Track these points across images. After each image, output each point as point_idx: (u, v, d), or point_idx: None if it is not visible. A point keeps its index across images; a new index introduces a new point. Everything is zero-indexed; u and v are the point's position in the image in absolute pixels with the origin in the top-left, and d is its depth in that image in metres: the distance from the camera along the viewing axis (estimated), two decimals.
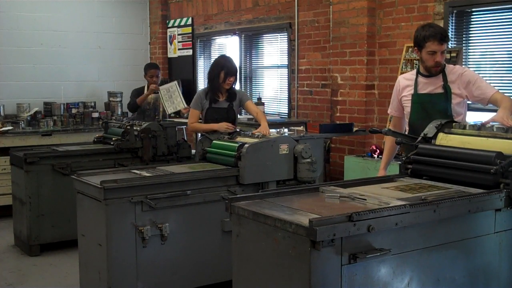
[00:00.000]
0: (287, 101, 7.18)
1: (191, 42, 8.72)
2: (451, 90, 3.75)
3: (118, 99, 8.63)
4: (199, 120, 5.31)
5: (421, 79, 3.86)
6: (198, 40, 8.77)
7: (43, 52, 8.38)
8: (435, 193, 2.92)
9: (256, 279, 2.67)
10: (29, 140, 7.25)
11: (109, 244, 3.82)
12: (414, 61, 5.25)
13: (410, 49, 5.32)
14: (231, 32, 7.99)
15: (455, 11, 5.20)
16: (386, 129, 3.71)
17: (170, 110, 6.21)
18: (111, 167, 5.23)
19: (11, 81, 8.15)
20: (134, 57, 9.05)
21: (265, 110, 6.56)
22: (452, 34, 5.25)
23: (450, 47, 5.20)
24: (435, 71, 3.77)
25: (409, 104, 3.88)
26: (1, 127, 7.26)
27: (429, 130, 3.42)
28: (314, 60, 6.68)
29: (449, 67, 3.84)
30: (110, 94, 8.77)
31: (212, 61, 5.35)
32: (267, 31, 7.46)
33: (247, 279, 2.74)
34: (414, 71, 3.98)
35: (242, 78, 7.91)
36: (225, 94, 5.19)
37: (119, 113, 8.55)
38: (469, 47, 5.21)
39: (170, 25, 9.11)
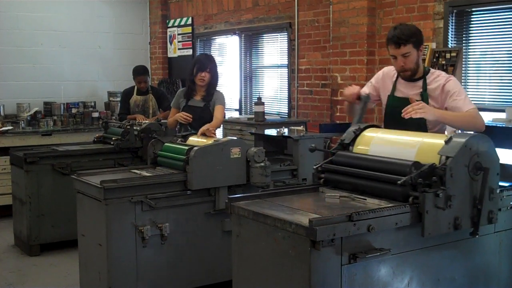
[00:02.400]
0: (287, 101, 7.18)
1: (191, 42, 8.71)
2: (428, 99, 3.43)
3: (118, 99, 8.59)
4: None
5: (400, 81, 3.59)
6: (198, 40, 8.76)
7: (43, 52, 8.37)
8: None
9: (256, 279, 2.67)
10: (29, 140, 7.25)
11: (109, 244, 3.82)
12: None
13: None
14: (231, 32, 7.99)
15: (455, 11, 5.19)
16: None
17: None
18: (111, 167, 5.23)
19: (11, 81, 8.14)
20: (134, 57, 9.03)
21: (265, 110, 6.54)
22: (452, 34, 5.25)
23: (450, 47, 5.20)
24: (404, 76, 3.51)
25: (383, 102, 3.66)
26: (1, 127, 7.26)
27: (347, 135, 3.12)
28: (314, 60, 6.67)
29: (433, 74, 3.51)
30: (110, 94, 8.77)
31: None
32: (267, 31, 7.46)
33: (247, 279, 2.74)
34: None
35: (242, 78, 7.91)
36: (202, 93, 5.05)
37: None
38: (469, 47, 5.20)
39: (170, 25, 9.10)
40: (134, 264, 3.91)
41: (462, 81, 5.03)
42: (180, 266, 4.13)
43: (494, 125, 3.82)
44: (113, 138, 5.74)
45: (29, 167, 5.47)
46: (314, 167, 3.08)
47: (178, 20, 8.95)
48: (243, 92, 7.95)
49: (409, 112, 3.12)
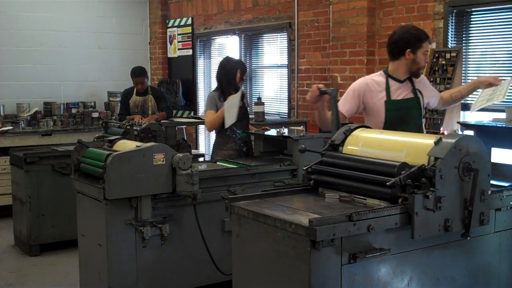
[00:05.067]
0: (287, 101, 7.18)
1: (191, 42, 8.71)
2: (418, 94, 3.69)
3: (118, 99, 8.59)
4: None
5: (393, 84, 3.66)
6: (198, 40, 8.77)
7: (43, 52, 8.38)
8: None
9: (256, 279, 2.67)
10: (29, 140, 7.25)
11: (109, 244, 3.82)
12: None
13: None
14: (231, 32, 7.99)
15: (455, 11, 5.19)
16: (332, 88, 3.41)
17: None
18: None
19: (11, 81, 8.15)
20: (134, 57, 9.05)
21: (265, 110, 6.55)
22: (452, 34, 5.25)
23: (450, 47, 5.20)
24: (421, 72, 3.71)
25: (376, 112, 3.64)
26: (1, 127, 7.26)
27: (337, 136, 3.06)
28: (314, 60, 6.67)
29: None
30: (110, 94, 8.77)
31: (221, 64, 5.23)
32: (267, 31, 7.46)
33: (247, 279, 2.74)
34: (379, 74, 3.75)
35: None
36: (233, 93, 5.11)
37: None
38: (469, 47, 5.20)
39: (170, 25, 9.10)
40: (134, 264, 3.91)
41: (462, 81, 5.04)
42: (180, 266, 4.13)
43: (494, 125, 3.81)
44: (103, 139, 5.72)
45: (29, 167, 5.47)
46: (304, 168, 3.00)
47: (178, 20, 8.95)
48: None
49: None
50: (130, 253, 3.89)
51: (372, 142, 2.92)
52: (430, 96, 3.81)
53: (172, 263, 4.08)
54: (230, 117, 4.88)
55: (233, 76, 5.08)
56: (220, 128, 5.05)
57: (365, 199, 2.75)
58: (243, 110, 5.12)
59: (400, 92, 3.66)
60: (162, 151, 3.88)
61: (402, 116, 3.59)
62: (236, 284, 2.83)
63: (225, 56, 5.56)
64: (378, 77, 3.72)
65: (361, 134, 3.01)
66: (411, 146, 2.72)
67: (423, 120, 3.78)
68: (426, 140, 2.70)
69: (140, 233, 3.89)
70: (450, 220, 2.56)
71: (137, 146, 3.91)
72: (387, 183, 2.50)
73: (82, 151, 4.12)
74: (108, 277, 3.84)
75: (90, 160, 3.98)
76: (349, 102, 3.73)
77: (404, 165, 2.57)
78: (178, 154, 3.90)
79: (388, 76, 3.67)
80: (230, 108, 4.88)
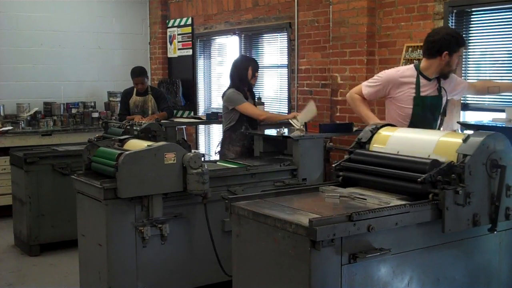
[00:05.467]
0: (287, 101, 7.17)
1: (191, 42, 8.70)
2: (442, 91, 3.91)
3: (118, 99, 8.59)
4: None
5: (422, 80, 3.87)
6: (198, 40, 8.76)
7: (43, 52, 8.37)
8: None
9: (256, 279, 2.67)
10: (29, 140, 7.25)
11: (109, 244, 3.82)
12: (414, 60, 5.24)
13: (410, 49, 5.31)
14: (231, 32, 7.99)
15: (455, 10, 5.19)
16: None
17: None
18: None
19: (11, 81, 8.14)
20: (134, 57, 9.04)
21: (265, 110, 6.54)
22: None
23: None
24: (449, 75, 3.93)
25: (401, 105, 3.88)
26: (1, 127, 7.26)
27: (364, 134, 3.21)
28: (314, 60, 6.67)
29: None
30: (110, 94, 8.77)
31: (233, 62, 5.48)
32: (267, 31, 7.46)
33: (247, 279, 2.75)
34: (410, 68, 3.95)
35: None
36: (248, 91, 5.38)
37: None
38: (469, 47, 5.20)
39: (170, 25, 9.10)
40: (134, 264, 3.91)
41: None
42: (180, 266, 4.13)
43: (494, 125, 3.82)
44: (113, 139, 5.73)
45: (29, 167, 5.47)
46: (333, 165, 3.14)
47: (178, 20, 8.95)
48: None
49: None
50: (130, 253, 3.90)
51: (398, 140, 3.05)
52: (455, 89, 4.04)
53: (172, 263, 4.08)
54: (306, 118, 5.30)
55: (245, 73, 5.30)
56: (233, 125, 5.25)
57: (365, 199, 2.75)
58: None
59: (427, 89, 3.87)
60: (173, 150, 3.91)
61: (426, 112, 3.85)
62: (236, 284, 2.83)
63: (241, 55, 5.70)
64: (409, 71, 3.92)
65: (387, 132, 3.15)
66: (438, 144, 2.84)
67: (439, 117, 3.99)
68: (452, 139, 2.84)
69: (140, 233, 3.90)
70: (478, 215, 2.68)
71: (148, 145, 3.95)
72: (418, 179, 2.61)
73: (93, 151, 4.14)
74: (108, 277, 3.84)
75: (102, 159, 4.01)
76: (374, 88, 3.95)
77: (436, 162, 2.68)
78: (189, 153, 3.93)
79: (419, 72, 3.87)
80: (309, 112, 5.35)
